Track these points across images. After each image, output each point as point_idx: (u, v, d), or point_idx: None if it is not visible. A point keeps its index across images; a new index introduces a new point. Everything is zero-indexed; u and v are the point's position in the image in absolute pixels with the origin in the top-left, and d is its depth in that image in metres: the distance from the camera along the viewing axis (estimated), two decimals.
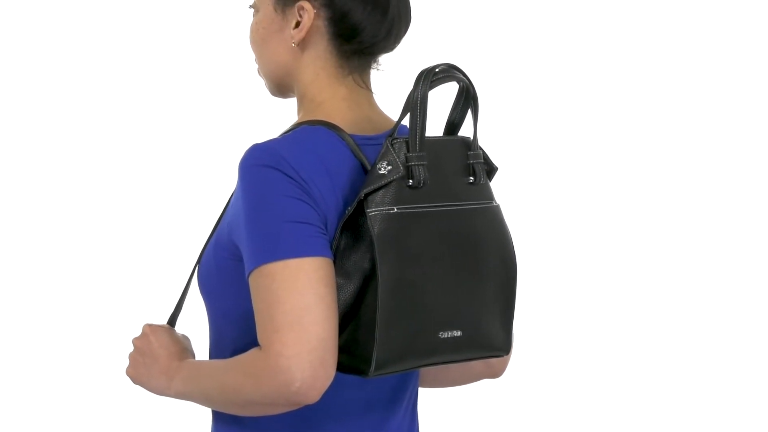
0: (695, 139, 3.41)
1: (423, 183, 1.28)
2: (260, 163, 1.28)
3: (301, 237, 1.25)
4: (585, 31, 3.43)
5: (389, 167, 1.27)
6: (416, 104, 1.28)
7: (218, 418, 1.42)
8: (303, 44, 1.39)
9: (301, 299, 1.23)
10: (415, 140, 1.28)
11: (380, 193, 1.26)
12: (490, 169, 1.38)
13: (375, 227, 1.25)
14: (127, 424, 3.24)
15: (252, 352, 1.27)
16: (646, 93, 3.42)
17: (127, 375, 1.43)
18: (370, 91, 1.42)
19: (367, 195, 1.26)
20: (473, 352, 1.33)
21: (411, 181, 1.27)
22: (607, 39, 3.42)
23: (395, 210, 1.26)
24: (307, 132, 1.34)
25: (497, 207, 1.36)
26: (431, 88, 1.29)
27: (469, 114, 1.35)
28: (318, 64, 1.39)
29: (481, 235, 1.32)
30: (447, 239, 1.30)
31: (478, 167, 1.34)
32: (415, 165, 1.28)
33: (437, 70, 1.30)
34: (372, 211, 1.25)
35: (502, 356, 1.38)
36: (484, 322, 1.32)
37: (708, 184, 3.41)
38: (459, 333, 1.30)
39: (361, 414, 1.38)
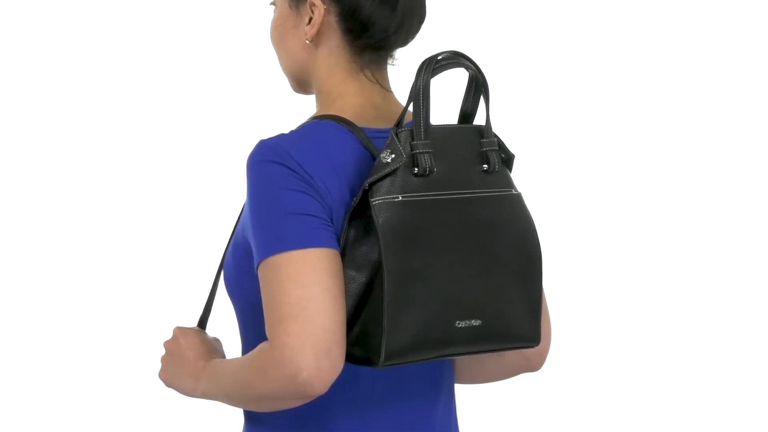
0: (698, 138, 3.39)
1: (429, 171, 1.27)
2: (265, 159, 1.29)
3: (304, 229, 1.26)
4: (593, 29, 3.41)
5: (393, 156, 1.26)
6: (419, 93, 1.27)
7: (247, 417, 1.43)
8: (316, 40, 1.40)
9: (304, 290, 1.23)
10: (420, 128, 1.27)
11: (386, 182, 1.26)
12: (508, 158, 1.36)
13: (379, 217, 1.24)
14: (136, 426, 3.25)
15: (260, 346, 1.27)
16: (651, 90, 3.39)
17: (159, 378, 1.44)
18: (385, 86, 1.42)
19: (371, 185, 1.26)
20: (496, 342, 1.31)
21: (416, 169, 1.27)
22: (613, 37, 3.40)
23: (400, 198, 1.25)
24: (315, 126, 1.35)
25: (517, 195, 1.34)
26: (434, 75, 1.29)
27: (482, 102, 1.34)
28: (332, 60, 1.40)
29: (497, 223, 1.30)
30: (460, 227, 1.28)
31: (492, 155, 1.33)
32: (420, 153, 1.27)
33: (439, 57, 1.30)
34: (376, 201, 1.25)
35: (532, 347, 1.35)
36: (506, 311, 1.30)
37: (709, 182, 3.38)
38: (478, 322, 1.28)
39: (399, 405, 1.38)
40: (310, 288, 1.23)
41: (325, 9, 1.38)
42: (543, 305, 1.36)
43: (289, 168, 1.28)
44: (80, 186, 3.34)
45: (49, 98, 3.34)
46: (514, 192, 1.33)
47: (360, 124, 1.35)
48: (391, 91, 1.43)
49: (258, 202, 1.28)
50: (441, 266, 1.26)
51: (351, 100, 1.39)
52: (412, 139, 1.27)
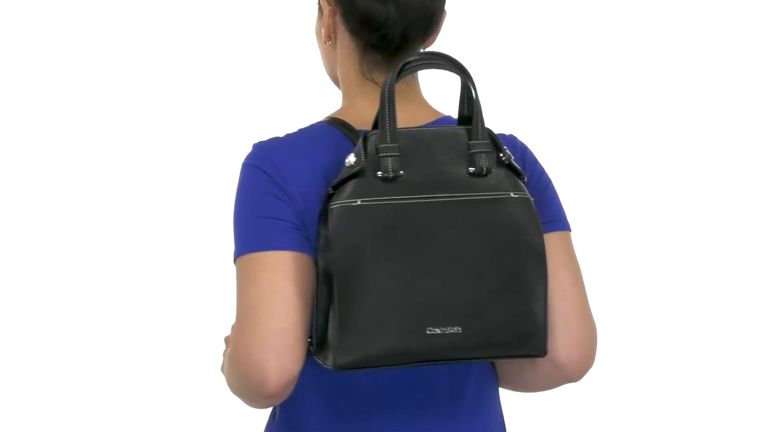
0: (696, 138, 3.39)
1: (393, 174, 1.23)
2: (249, 162, 1.33)
3: (268, 232, 1.27)
4: (590, 29, 3.41)
5: (355, 158, 1.24)
6: (384, 95, 1.24)
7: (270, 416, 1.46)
8: (334, 42, 1.41)
9: (258, 291, 1.24)
10: (386, 131, 1.24)
11: (349, 186, 1.23)
12: (507, 158, 1.28)
13: (332, 221, 1.22)
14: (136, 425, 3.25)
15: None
16: (648, 91, 3.38)
17: (221, 371, 1.44)
18: (400, 90, 1.37)
19: (335, 189, 1.24)
20: (484, 350, 1.24)
21: (380, 172, 1.23)
22: (611, 37, 3.41)
23: (359, 202, 1.22)
24: (311, 130, 1.36)
25: (517, 199, 1.26)
26: (404, 76, 1.26)
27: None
28: (347, 61, 1.40)
29: (486, 227, 1.24)
30: (435, 231, 1.22)
31: (481, 157, 1.26)
32: (384, 156, 1.23)
33: (411, 59, 1.27)
34: (334, 205, 1.23)
35: (537, 357, 1.27)
36: (495, 318, 1.23)
37: (708, 182, 3.37)
38: (457, 329, 1.21)
39: (413, 416, 1.36)
40: (263, 290, 1.24)
41: (330, 9, 1.38)
42: (572, 313, 1.33)
43: (265, 172, 1.30)
44: (81, 186, 3.33)
45: (49, 98, 3.32)
46: (513, 195, 1.26)
47: (363, 128, 1.34)
48: (413, 96, 1.40)
49: (235, 204, 1.32)
50: (408, 271, 1.21)
51: (359, 102, 1.38)
52: (380, 143, 1.24)
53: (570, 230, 1.40)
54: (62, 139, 3.33)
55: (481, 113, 1.27)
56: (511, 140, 1.41)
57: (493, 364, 1.44)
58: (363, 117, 1.36)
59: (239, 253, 1.28)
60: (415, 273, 1.21)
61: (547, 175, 1.43)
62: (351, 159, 1.24)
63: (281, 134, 1.36)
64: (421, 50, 1.38)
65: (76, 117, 3.33)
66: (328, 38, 1.41)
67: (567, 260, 1.36)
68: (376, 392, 1.35)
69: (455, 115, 1.34)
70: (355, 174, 1.23)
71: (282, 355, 1.23)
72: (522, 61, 3.36)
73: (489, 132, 1.28)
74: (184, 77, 3.32)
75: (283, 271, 1.25)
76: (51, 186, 3.32)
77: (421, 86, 1.43)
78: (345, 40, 1.39)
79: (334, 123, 1.35)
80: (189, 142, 3.30)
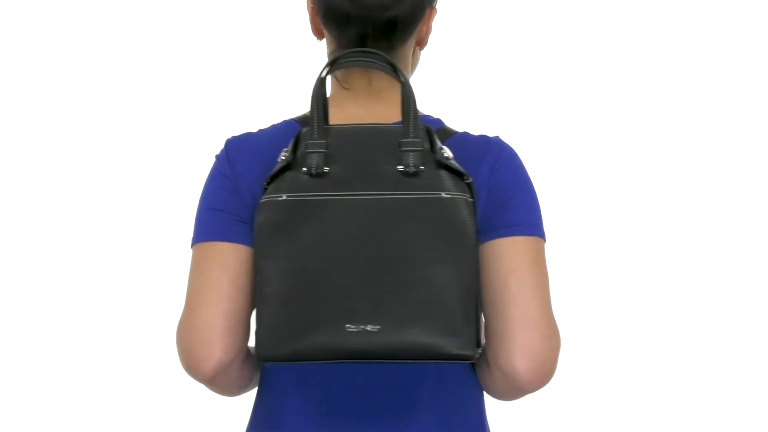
0: (695, 139, 3.40)
1: (317, 170, 1.22)
2: (216, 155, 1.37)
3: (212, 223, 1.31)
4: (586, 29, 3.42)
5: (284, 155, 1.25)
6: (313, 92, 1.25)
7: None
8: (322, 39, 1.43)
9: (195, 281, 1.28)
10: (313, 128, 1.24)
11: (277, 181, 1.24)
12: (442, 157, 1.25)
13: (260, 215, 1.23)
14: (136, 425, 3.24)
15: None
16: (645, 93, 3.41)
17: None
18: (369, 89, 1.38)
19: (268, 184, 1.25)
20: (403, 351, 1.20)
21: (305, 168, 1.23)
22: (608, 38, 3.42)
23: (284, 197, 1.22)
24: (279, 126, 1.38)
25: (447, 198, 1.22)
26: (332, 72, 1.27)
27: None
28: (331, 58, 1.39)
29: (408, 226, 1.21)
30: (359, 228, 1.21)
31: (410, 156, 1.23)
32: (310, 152, 1.23)
33: (338, 56, 1.26)
34: (264, 199, 1.24)
35: (460, 360, 1.21)
36: (421, 318, 1.19)
37: (706, 183, 3.39)
38: (375, 328, 1.19)
39: (363, 421, 1.34)
40: (198, 279, 1.28)
41: (312, 8, 1.40)
42: (519, 321, 1.26)
43: (223, 166, 1.34)
44: (81, 186, 3.34)
45: (49, 98, 3.33)
46: (444, 195, 1.22)
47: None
48: (388, 95, 1.38)
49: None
50: (330, 267, 1.20)
51: (333, 101, 1.38)
52: (308, 139, 1.25)
53: (539, 237, 1.31)
54: (56, 139, 3.35)
55: (415, 111, 1.24)
56: (484, 141, 1.36)
57: (472, 370, 1.40)
58: (334, 116, 1.36)
59: (191, 243, 1.33)
60: (336, 269, 1.20)
61: (525, 182, 1.35)
62: (283, 154, 1.25)
63: (255, 130, 1.39)
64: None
65: (68, 116, 3.35)
66: (319, 36, 1.42)
67: (521, 266, 1.28)
68: (328, 396, 1.34)
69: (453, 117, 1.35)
70: (285, 169, 1.24)
71: (209, 343, 1.26)
72: (521, 64, 3.36)
73: (427, 130, 1.26)
74: (183, 77, 3.34)
75: (220, 262, 1.28)
76: (49, 185, 3.34)
77: (420, 86, 1.41)
78: (327, 37, 1.41)
79: (301, 120, 1.37)
80: (188, 141, 3.31)
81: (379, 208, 1.21)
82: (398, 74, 1.25)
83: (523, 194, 1.34)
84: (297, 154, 1.25)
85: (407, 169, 1.22)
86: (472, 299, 1.20)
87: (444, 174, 1.23)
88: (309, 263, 1.20)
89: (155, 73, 3.35)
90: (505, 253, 1.28)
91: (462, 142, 1.33)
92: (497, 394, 1.38)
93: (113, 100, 3.35)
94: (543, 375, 1.27)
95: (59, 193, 3.33)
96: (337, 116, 1.34)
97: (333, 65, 1.25)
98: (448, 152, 1.25)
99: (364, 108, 1.36)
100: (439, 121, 1.38)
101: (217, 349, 1.26)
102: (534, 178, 1.39)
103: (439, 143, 1.25)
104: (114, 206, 3.33)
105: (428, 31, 1.40)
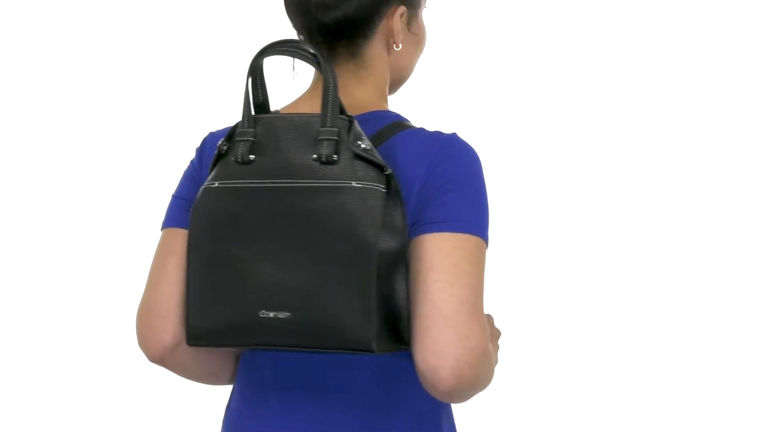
0: (694, 139, 3.41)
1: (243, 159, 1.26)
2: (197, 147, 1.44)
3: (172, 210, 1.39)
4: (584, 29, 3.43)
5: (222, 144, 1.30)
6: (246, 83, 1.29)
7: None
8: None
9: (151, 265, 1.37)
10: (244, 117, 1.29)
11: (216, 168, 1.29)
12: (358, 148, 1.25)
13: (195, 202, 1.28)
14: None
15: None
16: (643, 93, 3.41)
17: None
18: (311, 80, 1.43)
19: (210, 171, 1.31)
20: (312, 339, 1.21)
21: (233, 157, 1.28)
22: (606, 38, 3.42)
23: (216, 185, 1.27)
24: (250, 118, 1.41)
25: (357, 188, 1.22)
26: (258, 61, 1.29)
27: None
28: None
29: (320, 215, 1.22)
30: (275, 216, 1.23)
31: (324, 144, 1.24)
32: (239, 141, 1.28)
33: (265, 45, 1.29)
34: (203, 186, 1.29)
35: (364, 353, 1.21)
36: (326, 308, 1.21)
37: (705, 183, 3.39)
38: (286, 315, 1.21)
39: (274, 396, 1.37)
40: (153, 263, 1.37)
41: None
42: (433, 318, 1.22)
43: (195, 156, 1.41)
44: (80, 185, 3.35)
45: (49, 98, 3.34)
46: (355, 185, 1.22)
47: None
48: (368, 85, 1.40)
49: None
50: (249, 254, 1.23)
51: (305, 93, 1.43)
52: (240, 128, 1.29)
53: (471, 235, 1.26)
54: (56, 139, 3.35)
55: (335, 102, 1.25)
56: (433, 137, 1.33)
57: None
58: (295, 107, 1.41)
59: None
60: (255, 256, 1.23)
61: (467, 179, 1.30)
62: (221, 143, 1.30)
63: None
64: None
65: (68, 116, 3.36)
66: None
67: (441, 263, 1.23)
68: (275, 375, 1.36)
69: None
70: (220, 157, 1.29)
71: (152, 324, 1.34)
72: (520, 64, 3.37)
73: (349, 120, 1.26)
74: (183, 77, 3.34)
75: (170, 247, 1.35)
76: (48, 185, 3.34)
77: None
78: None
79: (274, 112, 1.38)
80: (187, 140, 3.29)
81: (292, 196, 1.23)
82: (320, 66, 1.26)
83: (461, 191, 1.28)
84: (231, 143, 1.29)
85: (321, 159, 1.24)
86: (371, 290, 1.20)
87: (359, 164, 1.23)
88: (226, 249, 1.24)
89: (155, 73, 3.35)
90: (428, 249, 1.24)
91: (412, 136, 1.32)
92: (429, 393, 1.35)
93: (113, 100, 3.35)
94: (457, 377, 1.21)
95: (59, 192, 3.34)
96: (298, 107, 1.39)
97: (261, 55, 1.28)
98: (365, 144, 1.24)
99: (320, 100, 1.36)
100: (397, 115, 1.38)
101: (159, 330, 1.34)
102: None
103: (359, 134, 1.25)
104: (113, 206, 3.33)
105: (397, 31, 1.40)
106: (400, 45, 1.40)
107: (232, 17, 3.30)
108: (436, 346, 1.21)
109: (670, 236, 3.35)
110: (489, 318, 1.43)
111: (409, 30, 1.42)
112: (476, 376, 1.23)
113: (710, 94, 3.36)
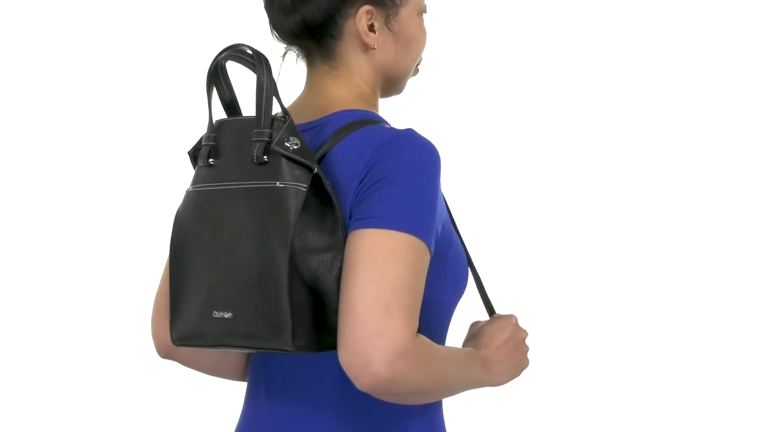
0: (694, 140, 3.41)
1: (205, 163, 1.31)
2: None
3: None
4: (584, 29, 3.43)
5: (191, 150, 1.36)
6: (208, 94, 1.32)
7: None
8: None
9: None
10: (210, 121, 1.32)
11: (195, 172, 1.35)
12: (282, 147, 1.25)
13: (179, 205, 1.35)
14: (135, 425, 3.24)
15: None
16: (643, 93, 3.42)
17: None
18: (310, 81, 1.42)
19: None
20: (244, 339, 1.24)
21: (201, 161, 1.32)
22: (606, 38, 3.42)
23: (190, 189, 1.33)
24: None
25: (281, 188, 1.23)
26: (215, 64, 1.31)
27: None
28: None
29: (249, 216, 1.24)
30: (213, 218, 1.28)
31: (254, 145, 1.25)
32: (204, 145, 1.32)
33: (221, 50, 1.31)
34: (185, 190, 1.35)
35: (283, 352, 1.21)
36: (255, 309, 1.22)
37: (705, 184, 3.40)
38: (230, 314, 1.25)
39: (264, 393, 1.40)
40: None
41: None
42: (345, 315, 1.20)
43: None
44: (79, 185, 3.34)
45: (48, 98, 3.34)
46: (279, 185, 1.23)
47: (295, 118, 1.35)
48: (315, 87, 1.41)
49: None
50: (206, 256, 1.28)
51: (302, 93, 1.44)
52: (206, 132, 1.33)
53: (395, 230, 1.22)
54: (57, 139, 3.35)
55: (268, 102, 1.26)
56: (382, 134, 1.29)
57: None
58: (292, 107, 1.42)
59: None
60: (207, 260, 1.28)
61: (404, 175, 1.25)
62: (191, 149, 1.36)
63: None
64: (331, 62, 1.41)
65: (69, 116, 3.36)
66: None
67: (359, 259, 1.20)
68: (266, 374, 1.40)
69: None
70: (194, 161, 1.35)
71: (155, 321, 1.43)
72: (520, 64, 3.36)
73: (284, 120, 1.26)
74: (183, 77, 3.33)
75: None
76: (48, 185, 3.34)
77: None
78: None
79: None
80: (186, 140, 3.30)
81: (233, 198, 1.27)
82: (257, 67, 1.27)
83: (393, 187, 1.24)
84: (201, 148, 1.33)
85: (252, 160, 1.25)
86: (283, 291, 1.20)
87: (284, 164, 1.23)
88: (185, 252, 1.31)
89: (154, 73, 3.35)
90: (350, 246, 1.22)
91: (365, 133, 1.30)
92: None
93: (113, 100, 3.35)
94: (369, 375, 1.17)
95: (57, 191, 3.33)
96: (296, 103, 1.42)
97: (214, 69, 1.31)
98: (293, 143, 1.24)
99: (305, 100, 1.41)
100: (366, 113, 1.36)
101: (159, 327, 1.42)
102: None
103: (290, 134, 1.25)
104: (113, 206, 3.33)
105: (362, 31, 1.37)
106: (375, 45, 1.38)
107: (231, 17, 3.30)
108: (347, 344, 1.19)
109: (670, 236, 3.36)
110: (511, 318, 1.43)
111: (389, 29, 1.40)
112: (402, 375, 1.18)
113: (710, 94, 3.37)
